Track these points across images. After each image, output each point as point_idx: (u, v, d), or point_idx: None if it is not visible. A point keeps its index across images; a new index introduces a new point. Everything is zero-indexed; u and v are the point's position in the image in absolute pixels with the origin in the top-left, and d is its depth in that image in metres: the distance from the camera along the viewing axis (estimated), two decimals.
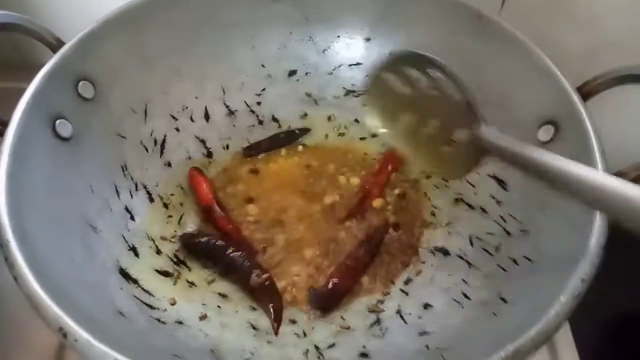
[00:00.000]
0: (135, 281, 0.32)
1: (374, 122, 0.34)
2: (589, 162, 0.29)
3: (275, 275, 0.35)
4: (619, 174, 0.29)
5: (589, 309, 0.42)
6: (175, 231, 0.38)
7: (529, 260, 0.30)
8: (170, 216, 0.38)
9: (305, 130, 0.44)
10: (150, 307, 0.31)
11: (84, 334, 0.22)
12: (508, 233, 0.34)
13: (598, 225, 0.26)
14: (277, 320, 0.33)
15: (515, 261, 0.31)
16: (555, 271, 0.27)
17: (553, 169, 0.23)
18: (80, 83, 0.35)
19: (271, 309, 0.33)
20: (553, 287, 0.25)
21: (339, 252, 0.37)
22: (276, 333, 0.32)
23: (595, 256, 0.25)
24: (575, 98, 0.32)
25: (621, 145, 0.32)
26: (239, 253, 0.35)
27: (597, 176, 0.22)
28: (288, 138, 0.44)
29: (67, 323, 0.22)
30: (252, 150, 0.44)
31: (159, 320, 0.30)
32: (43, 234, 0.28)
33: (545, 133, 0.34)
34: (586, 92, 0.33)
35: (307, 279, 0.35)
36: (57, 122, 0.33)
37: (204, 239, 0.36)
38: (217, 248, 0.36)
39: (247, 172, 0.42)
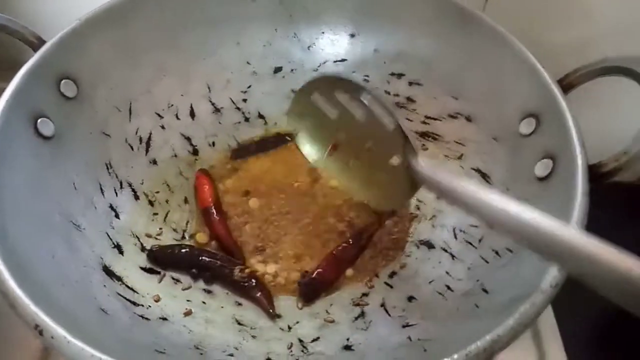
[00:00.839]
0: (119, 278, 0.32)
1: (303, 148, 0.34)
2: (569, 153, 0.29)
3: (267, 263, 0.36)
4: (599, 165, 0.29)
5: (577, 307, 0.43)
6: (160, 228, 0.38)
7: (510, 251, 0.30)
8: (155, 214, 0.38)
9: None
10: (134, 303, 0.31)
11: (60, 331, 0.22)
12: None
13: (576, 218, 0.26)
14: (269, 302, 0.33)
15: (497, 252, 0.31)
16: (535, 262, 0.27)
17: (488, 206, 0.22)
18: (63, 82, 0.35)
19: (259, 296, 0.33)
20: (532, 277, 0.25)
21: (330, 245, 0.37)
22: (273, 314, 0.33)
23: None
24: (556, 90, 0.32)
25: (602, 137, 0.33)
26: (210, 258, 0.35)
27: (532, 215, 0.20)
28: (277, 142, 0.44)
29: (43, 320, 0.22)
30: (240, 152, 0.43)
31: (142, 316, 0.30)
32: (23, 232, 0.28)
33: (526, 126, 0.34)
34: (567, 84, 0.33)
35: (296, 269, 0.36)
36: (39, 120, 0.33)
37: (169, 250, 0.36)
38: (187, 256, 0.35)
39: (235, 168, 0.42)
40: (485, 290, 0.29)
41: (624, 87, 0.32)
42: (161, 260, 0.35)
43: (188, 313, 0.32)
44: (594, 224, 0.28)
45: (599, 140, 0.32)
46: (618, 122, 0.32)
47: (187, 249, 0.36)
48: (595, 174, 0.29)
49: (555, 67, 0.33)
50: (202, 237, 0.38)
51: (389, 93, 0.43)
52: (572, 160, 0.29)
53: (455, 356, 0.21)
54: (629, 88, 0.31)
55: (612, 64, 0.32)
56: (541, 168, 0.32)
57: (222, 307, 0.33)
